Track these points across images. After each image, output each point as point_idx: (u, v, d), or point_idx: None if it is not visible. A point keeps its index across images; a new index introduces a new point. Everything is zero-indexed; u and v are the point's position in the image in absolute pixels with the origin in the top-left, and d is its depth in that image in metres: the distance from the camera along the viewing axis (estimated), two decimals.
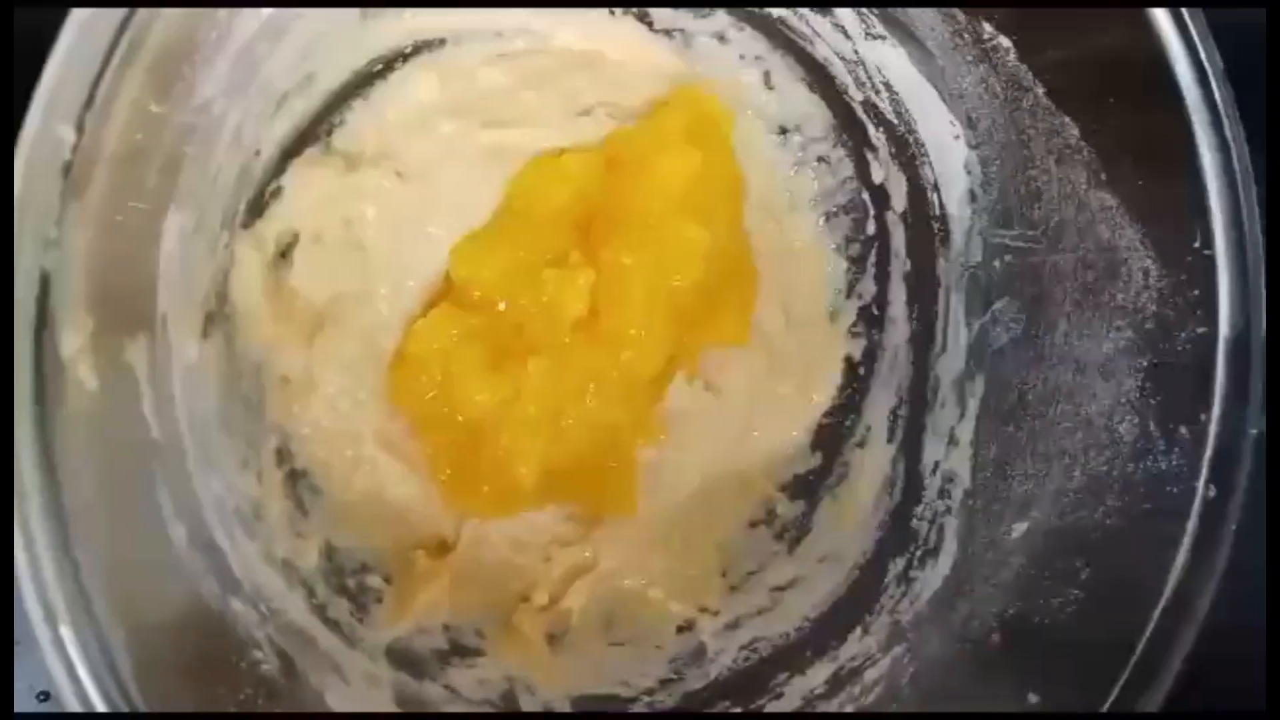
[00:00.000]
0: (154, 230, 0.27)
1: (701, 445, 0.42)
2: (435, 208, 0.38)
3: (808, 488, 0.43)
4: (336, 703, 0.30)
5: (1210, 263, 0.33)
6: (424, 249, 0.38)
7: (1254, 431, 0.32)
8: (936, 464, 0.40)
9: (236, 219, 0.34)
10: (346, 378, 0.37)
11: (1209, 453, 0.32)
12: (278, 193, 0.36)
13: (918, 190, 0.42)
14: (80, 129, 0.22)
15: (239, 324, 0.35)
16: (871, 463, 0.42)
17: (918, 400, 0.42)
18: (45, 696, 0.39)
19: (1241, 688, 0.39)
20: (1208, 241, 0.33)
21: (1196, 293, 0.33)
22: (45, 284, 0.21)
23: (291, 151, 0.36)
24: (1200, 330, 0.33)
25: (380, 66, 0.38)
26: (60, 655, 0.22)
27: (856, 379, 0.44)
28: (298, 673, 0.30)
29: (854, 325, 0.44)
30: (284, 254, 0.37)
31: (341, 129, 0.37)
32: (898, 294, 0.43)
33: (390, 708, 0.32)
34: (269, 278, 0.36)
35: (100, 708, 0.22)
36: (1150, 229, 0.35)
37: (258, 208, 0.35)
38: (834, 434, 0.43)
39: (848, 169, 0.44)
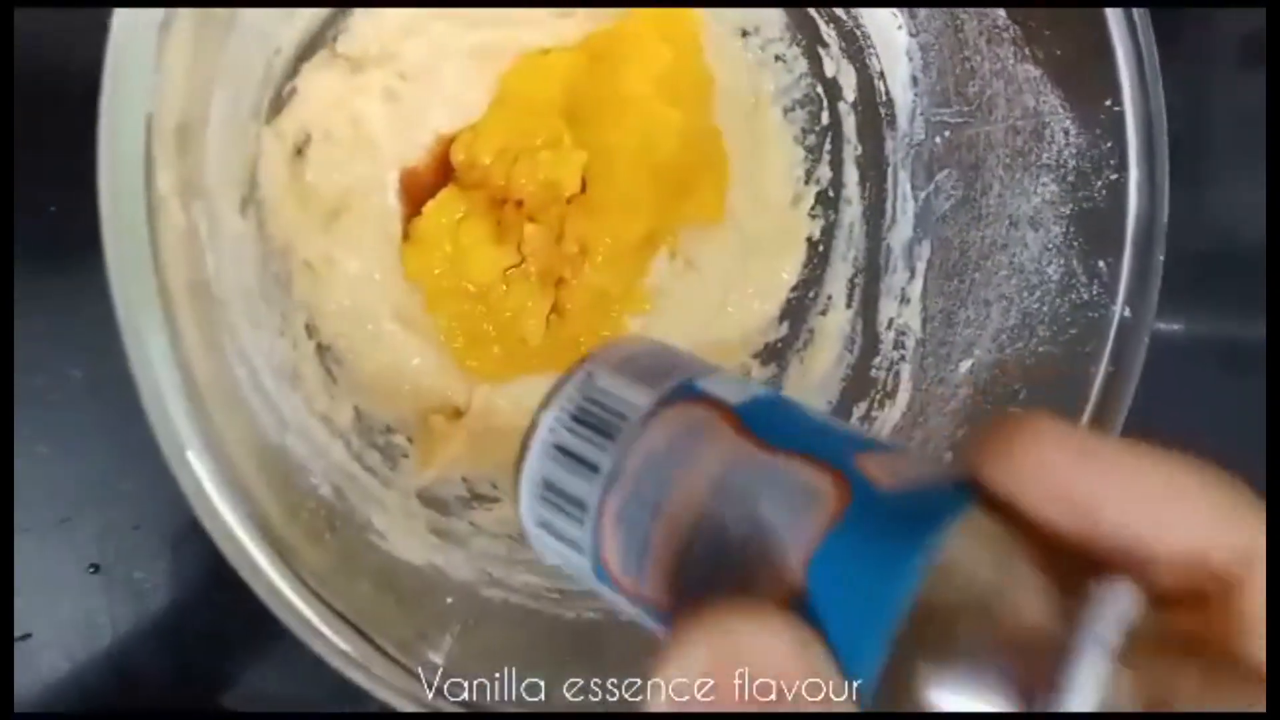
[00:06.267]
0: (204, 105, 0.31)
1: (683, 317, 0.46)
2: (435, 104, 0.42)
3: (777, 354, 0.48)
4: (381, 524, 0.34)
5: (1120, 117, 0.38)
6: (427, 142, 0.42)
7: (1160, 257, 0.37)
8: (891, 321, 0.45)
9: (262, 112, 0.38)
10: (363, 261, 0.41)
11: (1124, 279, 0.38)
12: (293, 93, 0.40)
13: (866, 80, 0.47)
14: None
15: (266, 209, 0.38)
16: (833, 327, 0.47)
17: (872, 268, 0.47)
18: (95, 569, 0.43)
19: None
20: (1117, 98, 0.38)
21: (1109, 144, 0.38)
22: (149, 126, 0.24)
23: (303, 55, 0.40)
24: (1114, 177, 0.39)
25: None
26: (189, 475, 0.25)
27: (817, 255, 0.48)
28: (347, 499, 0.34)
29: (812, 208, 0.49)
30: (299, 151, 0.41)
31: (345, 34, 0.41)
32: (851, 176, 0.48)
33: (426, 537, 0.36)
34: (289, 171, 0.40)
35: (225, 514, 0.25)
36: (1068, 93, 0.40)
37: (278, 105, 0.39)
38: (799, 305, 0.48)
39: (802, 65, 0.48)
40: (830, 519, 0.16)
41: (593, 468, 0.19)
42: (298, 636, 0.26)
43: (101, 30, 0.25)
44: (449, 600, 0.34)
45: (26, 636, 0.41)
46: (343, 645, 0.26)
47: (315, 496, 0.32)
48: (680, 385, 0.20)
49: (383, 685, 0.27)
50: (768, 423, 0.19)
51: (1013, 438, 0.17)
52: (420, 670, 0.27)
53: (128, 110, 0.24)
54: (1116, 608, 0.15)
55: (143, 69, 0.24)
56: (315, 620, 0.26)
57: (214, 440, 0.25)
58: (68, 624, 0.41)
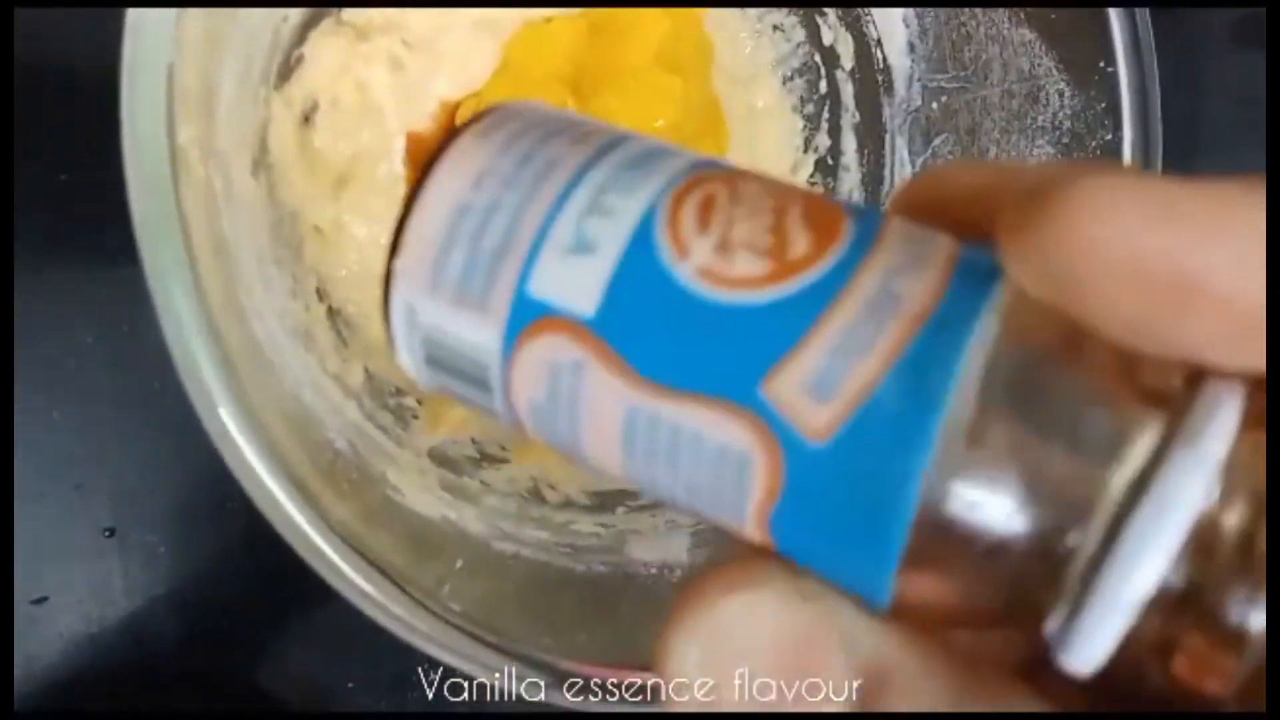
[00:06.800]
0: (217, 69, 0.32)
1: None
2: (439, 71, 0.42)
3: None
4: (396, 479, 0.35)
5: (1114, 78, 0.39)
6: (432, 109, 0.42)
7: None
8: None
9: (271, 78, 0.38)
10: (371, 226, 0.42)
11: None
12: (300, 60, 0.40)
13: (863, 47, 0.47)
14: None
15: (277, 174, 0.39)
16: None
17: None
18: (110, 533, 0.43)
19: None
20: (1111, 59, 0.39)
21: (1103, 105, 0.39)
22: (170, 76, 0.25)
23: (310, 22, 0.40)
24: (1108, 137, 0.39)
25: None
26: (220, 431, 0.25)
27: None
28: (362, 455, 0.35)
29: (811, 176, 0.49)
30: (307, 118, 0.41)
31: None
32: (849, 144, 0.49)
33: (439, 493, 0.37)
34: (297, 137, 0.40)
35: (257, 467, 0.26)
36: (1063, 56, 0.40)
37: (286, 72, 0.39)
38: None
39: (800, 35, 0.49)
40: (769, 484, 0.13)
41: (488, 410, 0.17)
42: (324, 581, 0.27)
43: (104, 18, 0.25)
44: (463, 552, 0.34)
45: (43, 600, 0.41)
46: (369, 589, 0.27)
47: (333, 450, 0.33)
48: (518, 302, 0.15)
49: (409, 630, 0.28)
50: (640, 335, 0.14)
51: (1060, 203, 0.11)
52: (443, 614, 0.28)
53: (149, 62, 0.25)
54: (1222, 418, 0.12)
55: (163, 22, 0.25)
56: (342, 564, 0.27)
57: (241, 391, 0.26)
58: (83, 587, 0.42)
